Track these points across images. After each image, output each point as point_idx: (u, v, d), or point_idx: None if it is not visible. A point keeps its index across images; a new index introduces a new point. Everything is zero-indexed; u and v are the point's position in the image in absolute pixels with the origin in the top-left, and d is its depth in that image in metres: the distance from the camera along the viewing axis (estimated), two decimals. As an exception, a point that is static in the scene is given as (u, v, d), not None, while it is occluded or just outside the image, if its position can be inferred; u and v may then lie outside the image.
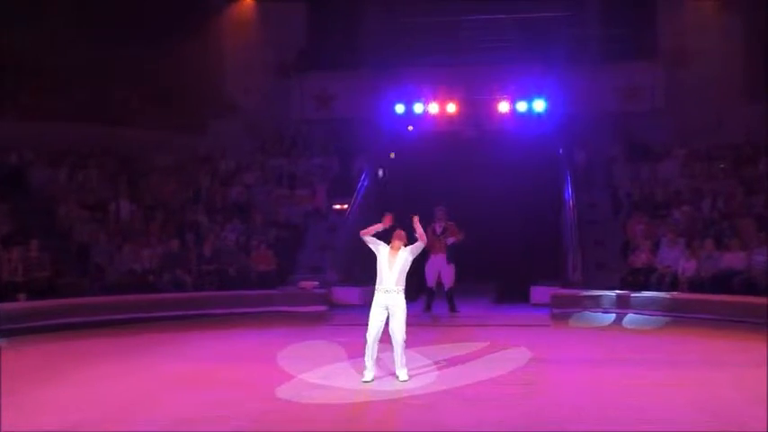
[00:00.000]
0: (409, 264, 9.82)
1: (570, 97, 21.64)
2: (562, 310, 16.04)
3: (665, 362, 11.16)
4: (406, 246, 9.83)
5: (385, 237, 10.03)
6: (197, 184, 20.88)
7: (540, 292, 17.13)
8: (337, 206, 20.58)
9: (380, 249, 9.85)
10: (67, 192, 19.15)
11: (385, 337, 9.83)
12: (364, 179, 20.52)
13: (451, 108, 21.73)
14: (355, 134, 22.40)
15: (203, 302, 16.47)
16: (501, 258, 18.75)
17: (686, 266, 16.06)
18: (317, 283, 17.51)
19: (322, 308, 16.88)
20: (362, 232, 9.92)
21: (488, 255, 17.73)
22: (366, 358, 9.79)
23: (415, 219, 10.02)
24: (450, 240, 15.66)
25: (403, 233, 9.91)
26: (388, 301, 9.70)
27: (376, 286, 9.81)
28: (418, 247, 9.84)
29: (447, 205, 16.27)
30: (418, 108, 21.77)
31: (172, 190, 20.37)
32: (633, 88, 22.66)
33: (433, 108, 21.77)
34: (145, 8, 20.94)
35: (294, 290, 17.33)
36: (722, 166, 19.82)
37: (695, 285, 15.75)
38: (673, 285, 15.95)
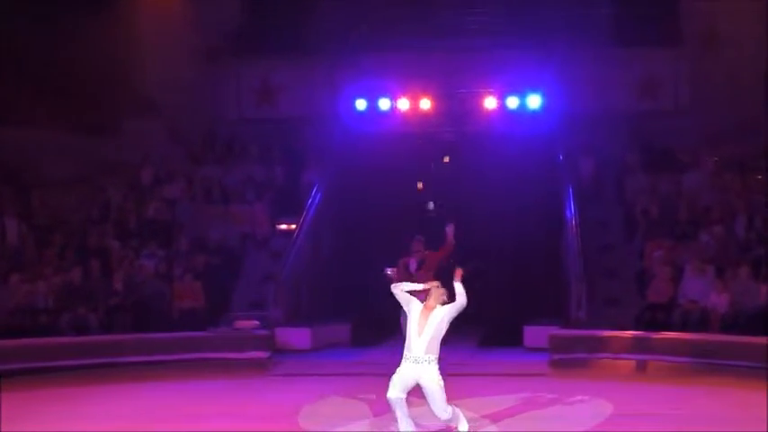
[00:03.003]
0: (445, 327, 9.89)
1: (573, 92, 21.79)
2: (563, 356, 16.16)
3: (688, 420, 11.29)
4: (444, 304, 9.91)
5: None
6: (105, 198, 20.78)
7: (535, 334, 17.19)
8: (283, 226, 20.58)
9: (412, 308, 9.97)
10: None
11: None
12: (316, 193, 20.52)
13: (426, 104, 21.77)
14: (305, 137, 22.43)
15: (112, 348, 16.38)
16: (488, 291, 18.83)
17: (717, 301, 16.23)
18: (256, 322, 17.46)
19: (263, 354, 16.86)
20: (393, 285, 10.17)
21: (472, 286, 17.79)
22: (399, 420, 9.87)
23: (458, 272, 10.06)
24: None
25: (443, 291, 9.97)
26: (418, 373, 9.77)
27: (404, 353, 9.92)
28: (458, 306, 9.90)
29: (421, 229, 16.28)
30: (384, 104, 21.77)
31: (73, 206, 20.26)
32: (651, 82, 22.91)
33: (403, 104, 21.79)
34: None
35: (228, 331, 17.28)
36: (760, 177, 20.09)
37: (729, 325, 15.91)
38: (701, 325, 16.11)
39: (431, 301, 9.93)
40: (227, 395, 13.50)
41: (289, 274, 18.62)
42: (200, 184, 21.67)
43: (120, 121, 23.07)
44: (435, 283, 10.09)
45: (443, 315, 9.86)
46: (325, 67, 22.77)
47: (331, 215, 20.98)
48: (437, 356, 9.81)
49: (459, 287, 9.96)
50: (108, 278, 17.78)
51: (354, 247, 20.38)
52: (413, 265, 15.58)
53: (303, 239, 19.57)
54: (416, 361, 9.77)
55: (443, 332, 9.90)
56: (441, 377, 9.81)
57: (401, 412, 9.84)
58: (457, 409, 10.02)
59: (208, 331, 17.23)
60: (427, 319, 9.84)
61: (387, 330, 17.89)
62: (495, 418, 11.18)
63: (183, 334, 17.01)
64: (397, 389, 9.79)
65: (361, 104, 21.88)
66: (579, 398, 12.72)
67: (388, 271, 15.33)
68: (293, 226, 20.08)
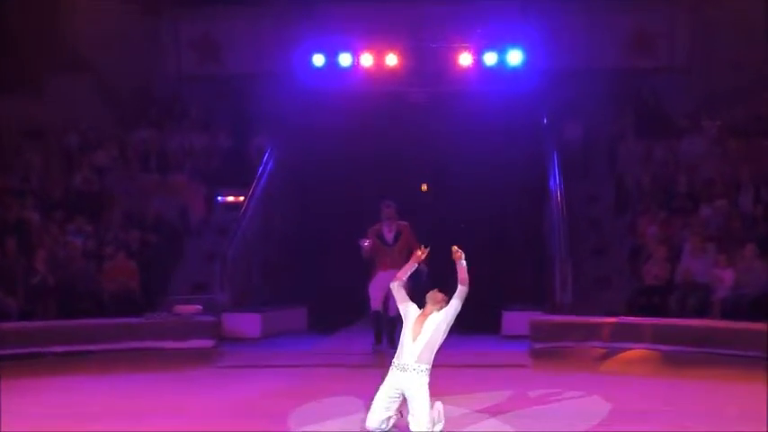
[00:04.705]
0: (442, 334, 9.85)
1: (558, 48, 21.90)
2: (545, 345, 16.18)
3: (687, 416, 11.31)
4: (441, 309, 9.87)
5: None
6: (25, 166, 20.65)
7: (514, 320, 17.28)
8: (230, 198, 20.51)
9: (409, 312, 9.98)
10: None
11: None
12: (268, 160, 20.52)
13: (392, 60, 21.80)
14: (255, 97, 22.34)
15: (35, 337, 16.24)
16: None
17: (723, 276, 16.25)
18: (200, 307, 17.46)
19: (208, 342, 16.81)
20: (397, 276, 10.27)
21: (444, 267, 17.79)
22: None
23: (457, 254, 9.99)
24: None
25: (441, 295, 9.96)
26: (405, 382, 9.69)
27: (393, 360, 9.88)
28: (458, 300, 9.87)
29: (393, 197, 16.29)
30: (345, 60, 21.79)
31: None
32: (646, 36, 23.05)
33: (367, 60, 21.82)
34: None
35: (168, 317, 17.21)
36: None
37: (731, 310, 15.97)
38: (700, 309, 16.17)
39: (428, 306, 9.93)
40: (167, 389, 13.37)
41: (236, 253, 18.58)
42: (135, 149, 21.57)
43: (44, 79, 22.88)
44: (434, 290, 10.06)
45: (440, 320, 9.83)
46: (276, 19, 22.67)
47: (284, 185, 20.95)
48: (429, 367, 9.75)
49: (462, 264, 9.96)
50: (29, 257, 17.61)
51: (312, 221, 20.36)
52: (388, 234, 15.60)
53: (253, 213, 19.57)
54: (404, 369, 9.73)
55: (440, 341, 9.85)
56: (427, 389, 9.72)
57: None
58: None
59: (144, 317, 17.14)
60: (423, 324, 9.83)
61: (346, 316, 17.91)
62: (469, 420, 11.11)
63: (115, 320, 16.95)
64: (377, 416, 9.68)
65: (318, 60, 21.86)
66: (562, 393, 12.71)
67: (365, 243, 15.32)
68: (242, 198, 20.05)
